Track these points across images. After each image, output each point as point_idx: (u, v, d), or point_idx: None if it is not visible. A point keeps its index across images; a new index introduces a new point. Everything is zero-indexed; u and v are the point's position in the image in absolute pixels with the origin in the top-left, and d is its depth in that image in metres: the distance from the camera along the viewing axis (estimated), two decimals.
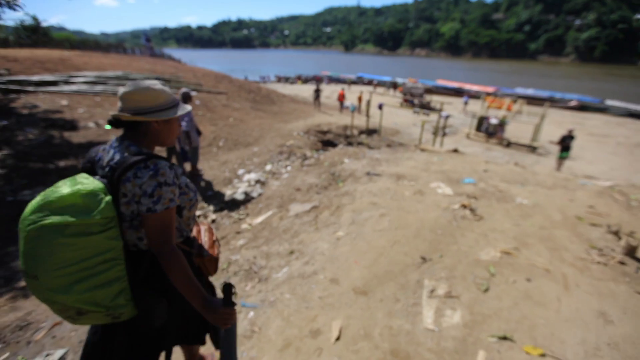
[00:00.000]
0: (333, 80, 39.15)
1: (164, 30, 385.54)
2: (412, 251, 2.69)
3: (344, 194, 3.91)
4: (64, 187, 0.99)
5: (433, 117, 16.17)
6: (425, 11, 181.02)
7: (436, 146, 11.61)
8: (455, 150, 6.66)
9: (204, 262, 1.34)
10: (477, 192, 3.93)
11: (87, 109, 8.13)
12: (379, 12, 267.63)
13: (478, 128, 14.25)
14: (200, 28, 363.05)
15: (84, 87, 9.50)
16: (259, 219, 3.64)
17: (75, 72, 10.74)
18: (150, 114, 1.10)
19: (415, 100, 22.95)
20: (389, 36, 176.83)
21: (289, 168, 6.42)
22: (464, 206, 3.37)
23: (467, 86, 30.02)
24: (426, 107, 21.56)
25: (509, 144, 13.16)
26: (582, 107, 23.42)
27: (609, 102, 22.84)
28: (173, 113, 1.15)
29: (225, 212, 4.06)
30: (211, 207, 4.20)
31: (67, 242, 0.93)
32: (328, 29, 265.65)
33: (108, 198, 1.00)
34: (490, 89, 28.30)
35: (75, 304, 0.95)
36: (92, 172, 1.15)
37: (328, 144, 10.84)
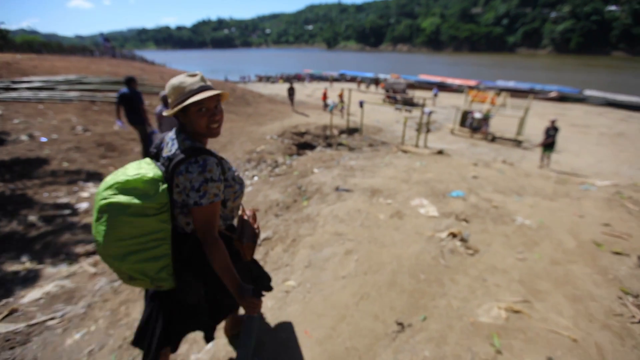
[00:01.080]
0: (315, 78, 38.35)
1: (142, 32, 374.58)
2: (385, 311, 1.92)
3: (305, 219, 3.11)
4: (131, 170, 1.14)
5: (416, 113, 15.65)
6: (405, 7, 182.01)
7: (420, 143, 11.00)
8: (440, 152, 5.97)
9: (242, 247, 1.37)
10: (468, 209, 3.20)
11: (25, 119, 7.05)
12: (360, 8, 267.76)
13: (462, 123, 13.77)
14: (179, 29, 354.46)
15: (26, 94, 8.35)
16: None
17: (19, 77, 9.55)
18: (173, 107, 1.14)
19: (397, 96, 22.41)
20: (370, 32, 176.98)
21: (255, 179, 5.59)
22: (453, 235, 2.63)
23: (450, 80, 29.85)
24: (409, 103, 21.04)
25: (493, 139, 12.71)
26: (562, 98, 23.64)
27: (588, 92, 23.16)
28: (183, 102, 1.11)
29: None
30: None
31: (128, 220, 1.07)
32: (310, 27, 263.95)
33: (164, 186, 1.13)
34: (472, 83, 28.21)
35: (127, 271, 1.11)
36: (157, 158, 1.24)
37: (305, 146, 10.03)
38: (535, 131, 13.91)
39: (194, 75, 1.16)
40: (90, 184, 4.49)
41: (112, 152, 5.93)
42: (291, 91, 15.55)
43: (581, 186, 4.29)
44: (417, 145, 10.25)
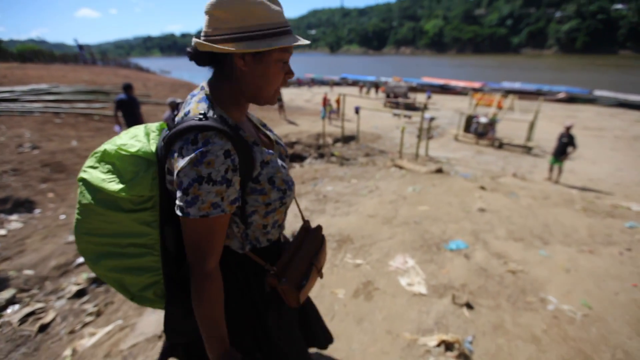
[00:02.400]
0: (317, 82, 37.76)
1: (147, 40, 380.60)
2: None
3: None
4: (124, 136, 0.79)
5: (417, 118, 14.70)
6: (408, 10, 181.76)
7: (421, 151, 10.16)
8: (439, 171, 5.09)
9: (281, 289, 0.84)
10: (473, 278, 2.20)
11: None
12: (362, 12, 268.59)
13: (467, 128, 12.89)
14: (184, 36, 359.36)
15: None
16: (93, 339, 2.00)
17: None
18: (231, 42, 0.69)
19: (399, 99, 21.56)
20: (373, 36, 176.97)
21: None
22: (447, 345, 1.60)
23: (453, 82, 29.07)
24: (410, 107, 20.19)
25: (501, 145, 11.78)
26: (571, 99, 22.80)
27: (598, 93, 22.29)
28: (271, 44, 0.69)
29: (76, 301, 2.35)
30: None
31: (96, 210, 0.75)
32: (313, 32, 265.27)
33: (145, 174, 0.74)
34: (476, 85, 27.40)
35: (102, 278, 0.82)
36: None
37: (294, 158, 9.21)
38: (545, 135, 13.01)
39: (276, 3, 0.73)
40: (14, 217, 3.72)
41: (58, 174, 5.16)
42: (279, 98, 14.75)
43: (626, 224, 3.31)
44: (417, 155, 9.39)
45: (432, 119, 10.39)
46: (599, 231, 3.01)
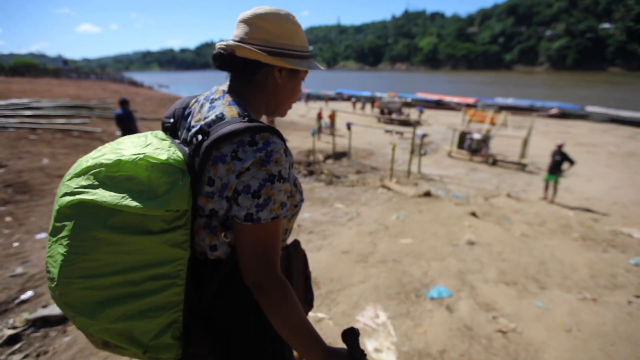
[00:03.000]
0: (312, 97, 38.01)
1: (147, 54, 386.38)
2: None
3: None
4: (129, 147, 0.66)
5: (410, 134, 14.50)
6: (403, 27, 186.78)
7: (414, 168, 9.92)
8: (428, 194, 4.78)
9: None
10: (454, 340, 1.79)
11: None
12: (358, 29, 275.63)
13: (460, 145, 12.74)
14: (183, 51, 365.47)
15: None
16: None
17: None
18: (278, 55, 0.71)
19: (393, 115, 21.54)
20: (369, 52, 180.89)
21: None
22: None
23: (447, 98, 29.30)
24: (405, 123, 20.16)
25: (495, 162, 11.59)
26: (564, 115, 22.99)
27: (590, 109, 22.54)
28: (310, 65, 0.77)
29: (5, 350, 1.93)
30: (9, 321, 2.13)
31: (110, 239, 0.58)
32: (310, 48, 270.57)
33: (186, 180, 0.64)
34: (470, 100, 27.63)
35: (100, 334, 0.61)
36: (173, 134, 0.78)
37: None
38: (539, 152, 12.90)
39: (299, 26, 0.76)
40: None
41: (21, 195, 4.78)
42: None
43: (631, 260, 2.96)
44: (409, 172, 9.14)
45: (424, 136, 10.19)
46: (601, 270, 2.67)
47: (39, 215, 4.45)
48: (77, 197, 0.59)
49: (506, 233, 3.36)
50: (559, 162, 6.75)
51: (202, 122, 0.68)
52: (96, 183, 0.61)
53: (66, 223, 0.59)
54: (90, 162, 0.63)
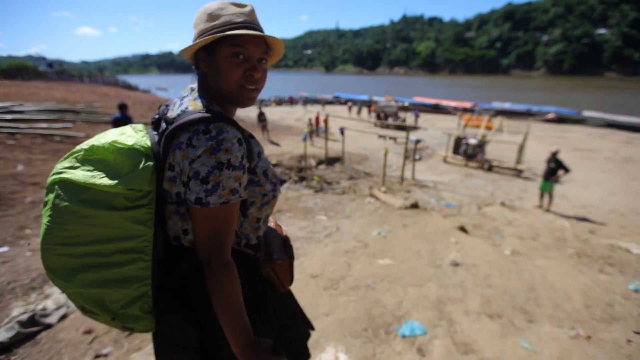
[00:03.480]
0: (309, 101, 37.91)
1: (145, 57, 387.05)
2: None
3: None
4: (108, 135, 0.75)
5: (404, 137, 14.26)
6: (401, 32, 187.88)
7: (407, 174, 9.70)
8: (415, 206, 4.53)
9: (273, 267, 0.93)
10: None
11: None
12: (357, 33, 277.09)
13: (456, 150, 12.55)
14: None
15: None
16: None
17: None
18: (196, 40, 0.75)
19: (389, 119, 21.36)
20: (367, 56, 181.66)
21: None
22: None
23: (445, 102, 29.26)
24: (401, 127, 20.00)
25: (490, 168, 11.40)
26: (560, 119, 22.98)
27: (586, 113, 22.53)
28: (212, 35, 0.73)
29: None
30: None
31: (81, 212, 0.67)
32: (309, 51, 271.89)
33: (147, 164, 0.72)
34: (467, 105, 27.58)
35: (75, 298, 0.71)
36: (156, 129, 0.84)
37: None
38: (535, 157, 12.73)
39: (242, 6, 0.77)
40: None
41: None
42: (262, 117, 13.86)
43: (630, 285, 2.70)
44: (402, 178, 8.91)
45: (417, 142, 9.97)
46: (597, 298, 2.41)
47: (5, 227, 4.14)
48: (58, 176, 0.69)
49: (495, 251, 3.11)
50: (554, 169, 6.54)
51: (172, 116, 0.75)
52: (76, 165, 0.70)
53: (49, 197, 0.69)
54: (76, 148, 0.72)
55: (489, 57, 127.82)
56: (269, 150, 11.53)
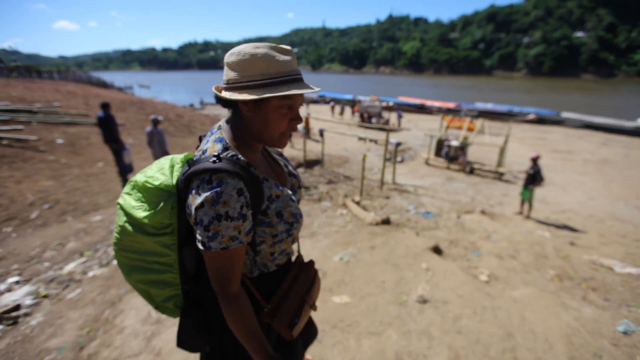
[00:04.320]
0: None
1: (127, 53, 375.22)
2: None
3: None
4: (151, 169, 0.92)
5: (392, 140, 13.99)
6: (387, 31, 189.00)
7: (388, 178, 9.39)
8: (386, 222, 4.14)
9: (275, 326, 0.97)
10: None
11: None
12: (344, 32, 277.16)
13: (438, 152, 12.37)
14: (165, 50, 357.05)
15: None
16: None
17: None
18: (236, 90, 0.80)
19: (373, 120, 21.10)
20: (354, 55, 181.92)
21: (104, 263, 3.55)
22: None
23: (429, 102, 29.31)
24: (384, 129, 19.76)
25: (472, 170, 11.25)
26: (540, 120, 23.38)
27: (565, 115, 23.06)
28: (265, 93, 0.77)
29: None
30: None
31: (128, 231, 0.87)
32: (295, 50, 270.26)
33: (165, 204, 0.86)
34: (451, 105, 27.71)
35: (133, 287, 0.95)
36: None
37: None
38: (516, 159, 12.71)
39: (286, 51, 0.82)
40: None
41: None
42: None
43: (619, 327, 2.36)
44: (382, 182, 8.58)
45: (398, 144, 9.65)
46: (582, 346, 2.05)
47: None
48: (120, 198, 0.90)
49: (470, 280, 2.73)
50: (533, 175, 6.33)
51: (196, 156, 0.86)
52: (130, 192, 0.88)
53: (117, 214, 0.90)
54: (135, 177, 0.90)
55: (473, 58, 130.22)
56: None
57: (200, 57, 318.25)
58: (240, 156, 0.82)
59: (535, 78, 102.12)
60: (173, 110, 13.89)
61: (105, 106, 5.95)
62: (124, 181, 6.48)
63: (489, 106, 26.91)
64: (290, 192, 0.95)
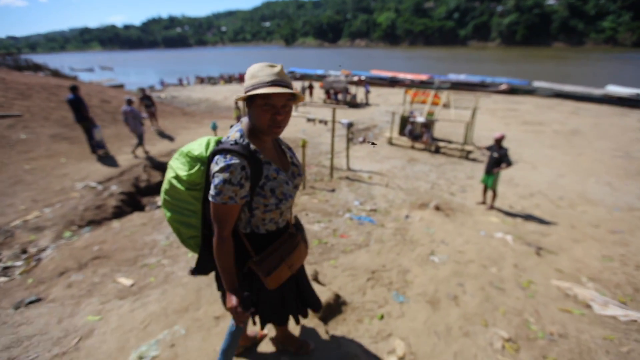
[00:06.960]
0: None
1: (85, 32, 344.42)
2: None
3: None
4: (192, 144, 1.37)
5: (354, 116, 12.76)
6: (361, 2, 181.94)
7: (342, 163, 8.30)
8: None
9: (259, 274, 1.36)
10: None
11: None
12: (317, 4, 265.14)
13: (402, 130, 11.29)
14: (127, 27, 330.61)
15: None
16: None
17: None
18: (243, 95, 1.20)
19: (339, 95, 19.69)
20: (328, 28, 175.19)
21: None
22: None
23: (401, 75, 28.00)
24: (352, 105, 18.44)
25: (437, 150, 10.29)
26: (512, 90, 22.82)
27: (536, 84, 22.63)
28: (250, 93, 1.17)
29: None
30: None
31: (173, 183, 1.34)
32: (267, 24, 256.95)
33: (199, 167, 1.31)
34: (423, 77, 26.57)
35: (169, 224, 1.42)
36: None
37: (153, 193, 6.76)
38: (486, 133, 11.79)
39: (273, 67, 1.19)
40: None
41: None
42: (147, 102, 10.60)
43: None
44: (331, 170, 7.45)
45: (350, 125, 8.43)
46: None
47: None
48: (170, 161, 1.38)
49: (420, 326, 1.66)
50: (498, 160, 5.30)
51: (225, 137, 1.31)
52: (178, 157, 1.35)
53: (167, 171, 1.40)
54: (182, 148, 1.37)
55: (448, 28, 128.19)
56: (160, 147, 9.34)
57: (166, 34, 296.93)
58: (250, 144, 1.24)
59: (508, 48, 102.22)
60: (100, 95, 11.86)
61: (74, 89, 6.64)
62: (97, 156, 7.20)
63: (462, 77, 26.02)
64: (287, 177, 1.34)
